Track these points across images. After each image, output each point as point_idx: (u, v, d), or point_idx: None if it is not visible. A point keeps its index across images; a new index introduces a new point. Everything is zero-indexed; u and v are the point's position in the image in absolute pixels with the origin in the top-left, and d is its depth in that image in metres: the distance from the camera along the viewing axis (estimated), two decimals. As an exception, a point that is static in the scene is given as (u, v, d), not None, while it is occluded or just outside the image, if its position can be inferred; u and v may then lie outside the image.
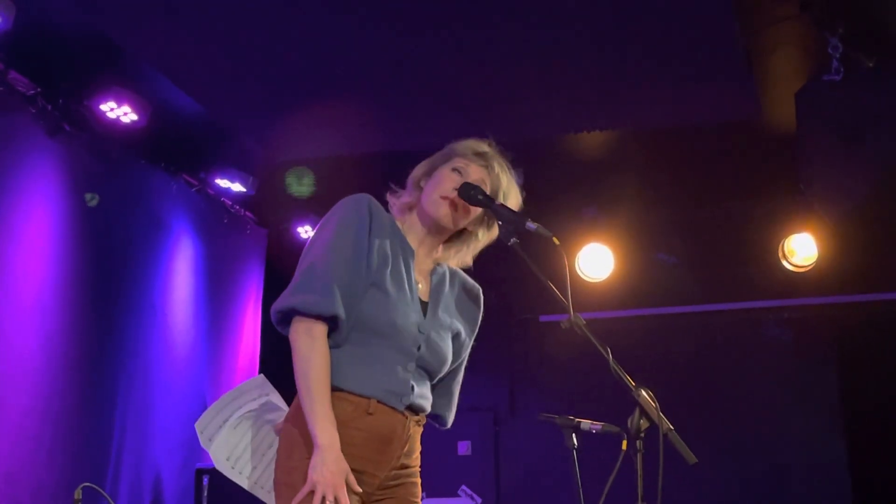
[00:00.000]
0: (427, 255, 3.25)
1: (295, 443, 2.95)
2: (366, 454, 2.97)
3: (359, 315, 2.99)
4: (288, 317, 2.97)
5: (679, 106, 6.87)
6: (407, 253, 3.15)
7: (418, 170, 3.26)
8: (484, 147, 3.26)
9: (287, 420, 3.03)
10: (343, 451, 2.89)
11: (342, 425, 2.91)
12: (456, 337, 3.26)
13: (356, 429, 2.95)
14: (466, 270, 3.38)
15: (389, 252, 3.08)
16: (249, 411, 3.16)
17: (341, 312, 2.93)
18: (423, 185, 3.22)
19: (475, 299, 3.38)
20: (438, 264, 3.29)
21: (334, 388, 2.95)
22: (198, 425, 3.14)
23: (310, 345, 2.92)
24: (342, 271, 2.96)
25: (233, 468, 3.14)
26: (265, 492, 3.13)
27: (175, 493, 7.22)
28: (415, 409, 3.09)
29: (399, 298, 3.05)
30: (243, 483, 3.16)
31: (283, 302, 2.96)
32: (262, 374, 3.26)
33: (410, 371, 3.06)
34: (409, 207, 3.24)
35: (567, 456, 3.85)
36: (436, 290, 3.23)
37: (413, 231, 3.22)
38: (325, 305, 2.92)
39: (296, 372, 2.92)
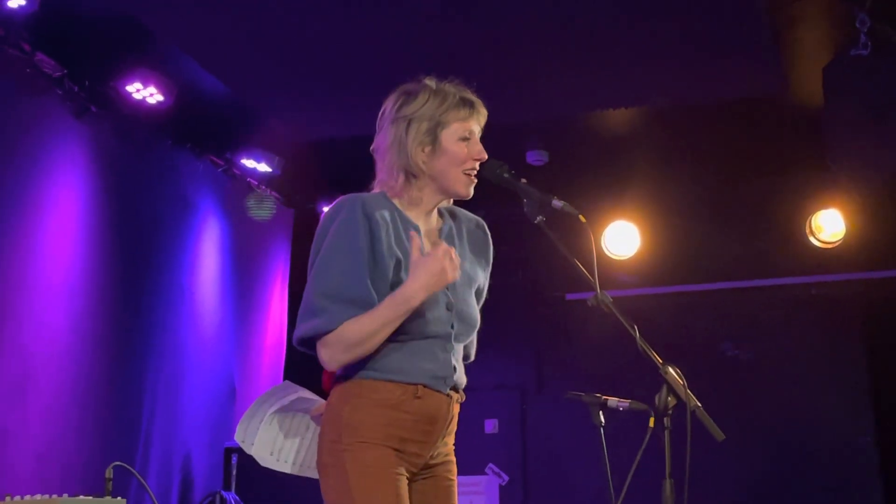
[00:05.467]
0: (431, 215, 3.19)
1: (343, 426, 2.95)
2: (414, 436, 2.99)
3: None
4: (309, 345, 2.99)
5: (705, 82, 6.84)
6: (411, 231, 3.06)
7: (416, 135, 3.07)
8: (468, 94, 3.15)
9: (333, 403, 3.02)
10: (392, 433, 2.93)
11: (392, 408, 2.94)
12: (478, 290, 3.24)
13: (405, 412, 2.96)
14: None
15: (396, 247, 3.01)
16: (281, 407, 3.19)
17: (338, 324, 2.91)
18: (429, 156, 3.09)
19: (483, 234, 3.31)
20: (441, 215, 3.23)
21: (383, 380, 2.95)
22: (237, 437, 3.18)
23: (334, 349, 2.93)
24: (340, 286, 2.93)
25: (277, 460, 3.21)
26: (312, 470, 3.17)
27: (204, 471, 7.27)
28: (456, 388, 3.11)
29: None
30: (288, 469, 3.21)
31: (296, 335, 2.99)
32: (286, 381, 3.28)
33: (449, 350, 3.07)
34: (413, 175, 3.10)
35: (594, 434, 3.85)
36: None
37: (421, 204, 3.13)
38: (323, 324, 2.92)
39: (361, 346, 2.92)
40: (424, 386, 2.99)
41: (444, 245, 2.96)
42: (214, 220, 7.72)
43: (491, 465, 8.63)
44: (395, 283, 2.97)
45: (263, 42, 6.33)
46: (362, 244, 2.95)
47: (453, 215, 3.27)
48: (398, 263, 2.99)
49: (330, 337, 2.92)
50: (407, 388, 2.97)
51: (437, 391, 3.03)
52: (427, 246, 3.08)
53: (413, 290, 2.91)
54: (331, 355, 2.94)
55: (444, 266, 2.92)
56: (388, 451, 2.94)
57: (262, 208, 8.17)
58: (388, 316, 2.91)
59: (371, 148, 3.23)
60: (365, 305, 2.93)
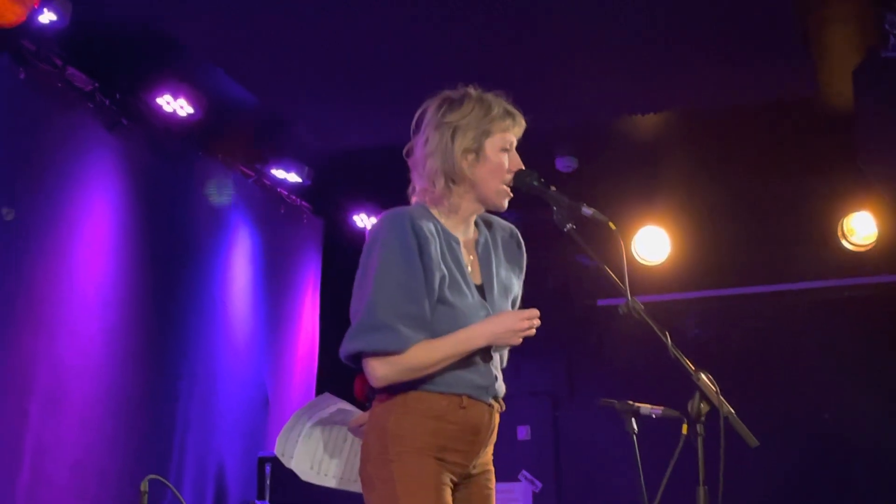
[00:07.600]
0: (468, 225, 3.22)
1: (388, 437, 2.98)
2: (459, 446, 3.02)
3: (433, 332, 2.99)
4: (357, 359, 3.01)
5: (735, 85, 6.81)
6: (453, 245, 3.11)
7: (461, 142, 3.10)
8: (510, 106, 3.21)
9: (378, 415, 3.05)
10: (437, 443, 2.97)
11: (437, 419, 2.98)
12: (513, 299, 3.28)
13: (450, 422, 3.00)
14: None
15: (442, 263, 3.04)
16: (320, 419, 3.20)
17: (407, 346, 2.94)
18: (471, 164, 3.13)
19: (517, 242, 3.35)
20: (476, 225, 3.26)
21: (428, 391, 2.99)
22: (277, 451, 3.20)
23: (395, 369, 2.96)
24: (401, 301, 2.95)
25: (318, 474, 3.22)
26: (354, 484, 3.18)
27: (238, 481, 7.29)
28: (496, 398, 3.14)
29: (463, 305, 3.05)
30: (331, 483, 3.23)
31: (350, 346, 2.99)
32: (326, 392, 3.30)
33: (489, 360, 3.09)
34: (454, 181, 3.13)
35: (627, 440, 3.84)
36: (485, 263, 3.21)
37: (459, 211, 3.17)
38: (391, 342, 2.94)
39: (419, 372, 2.98)
40: (469, 396, 3.02)
41: (536, 311, 3.04)
42: (245, 230, 7.75)
43: (524, 471, 8.62)
44: (441, 299, 3.01)
45: (292, 52, 6.35)
46: (415, 258, 2.98)
47: (489, 224, 3.30)
48: (443, 279, 3.02)
49: (395, 357, 2.94)
50: (452, 399, 3.00)
51: (480, 401, 3.05)
52: (466, 257, 3.11)
53: (479, 334, 3.00)
54: (386, 374, 2.97)
55: (520, 328, 3.01)
56: (434, 461, 2.97)
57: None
58: (451, 351, 2.98)
59: (405, 151, 3.24)
60: (423, 322, 2.97)
